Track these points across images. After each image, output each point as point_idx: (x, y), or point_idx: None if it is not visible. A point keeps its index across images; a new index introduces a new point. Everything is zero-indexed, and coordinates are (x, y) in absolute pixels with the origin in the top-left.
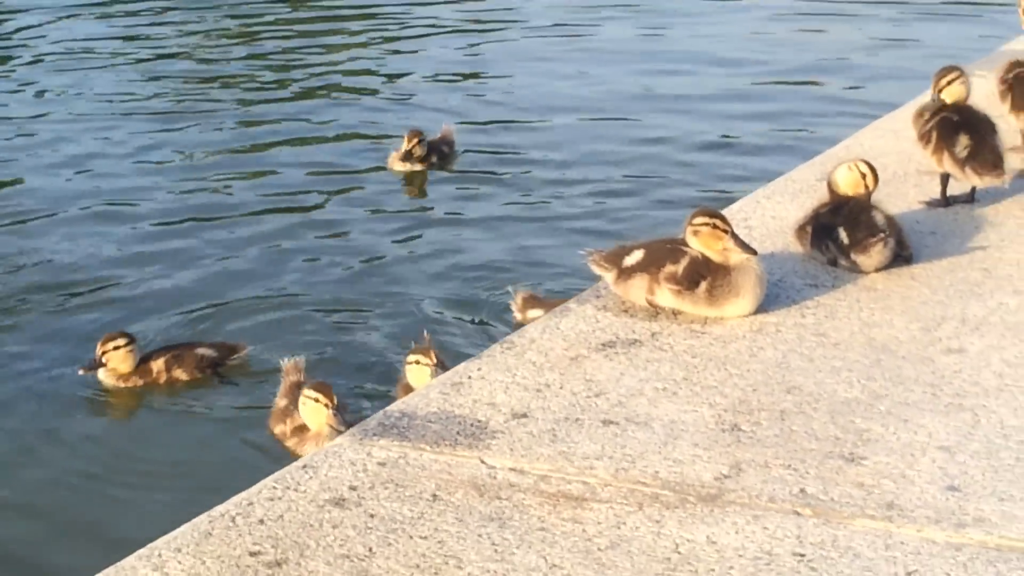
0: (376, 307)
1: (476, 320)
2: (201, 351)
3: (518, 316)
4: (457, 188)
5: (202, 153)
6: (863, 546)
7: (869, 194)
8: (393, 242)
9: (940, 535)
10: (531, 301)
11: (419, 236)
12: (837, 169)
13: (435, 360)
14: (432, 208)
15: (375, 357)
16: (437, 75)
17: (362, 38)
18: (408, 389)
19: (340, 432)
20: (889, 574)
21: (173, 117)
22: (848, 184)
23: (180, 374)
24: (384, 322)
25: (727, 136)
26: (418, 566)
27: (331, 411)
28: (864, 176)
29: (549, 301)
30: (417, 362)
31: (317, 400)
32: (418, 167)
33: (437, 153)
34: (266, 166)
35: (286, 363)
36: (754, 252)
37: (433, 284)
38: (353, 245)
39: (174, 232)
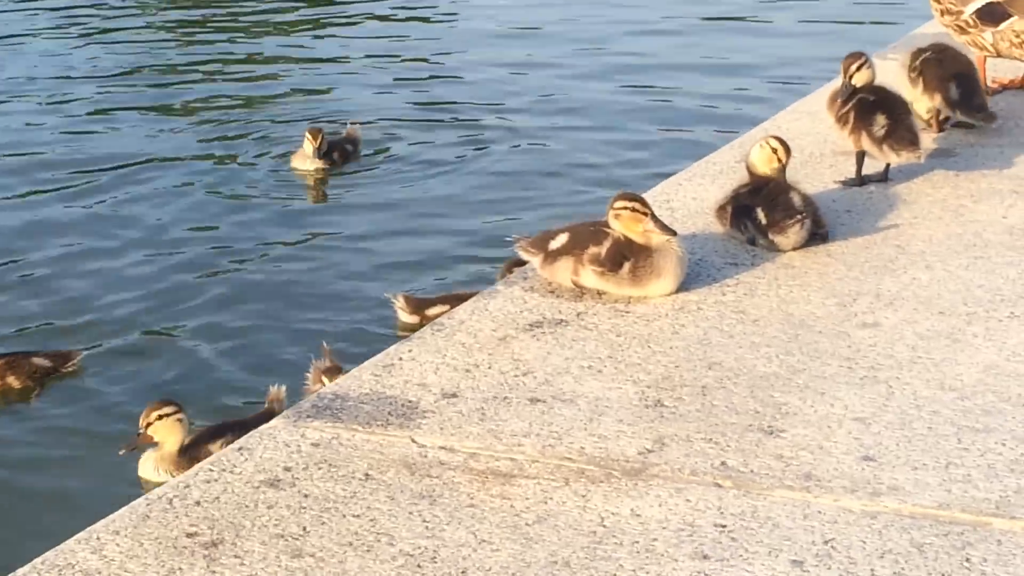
0: (275, 312)
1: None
2: (37, 360)
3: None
4: (359, 187)
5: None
6: (782, 516)
7: (783, 167)
8: (293, 241)
9: (856, 504)
10: (414, 302)
11: (320, 234)
12: (751, 149)
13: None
14: (333, 207)
15: (281, 361)
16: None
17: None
18: None
19: None
20: (807, 543)
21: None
22: (762, 161)
23: (13, 382)
24: (285, 324)
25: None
26: (351, 544)
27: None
28: (775, 151)
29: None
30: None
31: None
32: (320, 165)
33: (340, 151)
34: (159, 161)
35: (272, 390)
36: (674, 233)
37: (328, 290)
38: (249, 244)
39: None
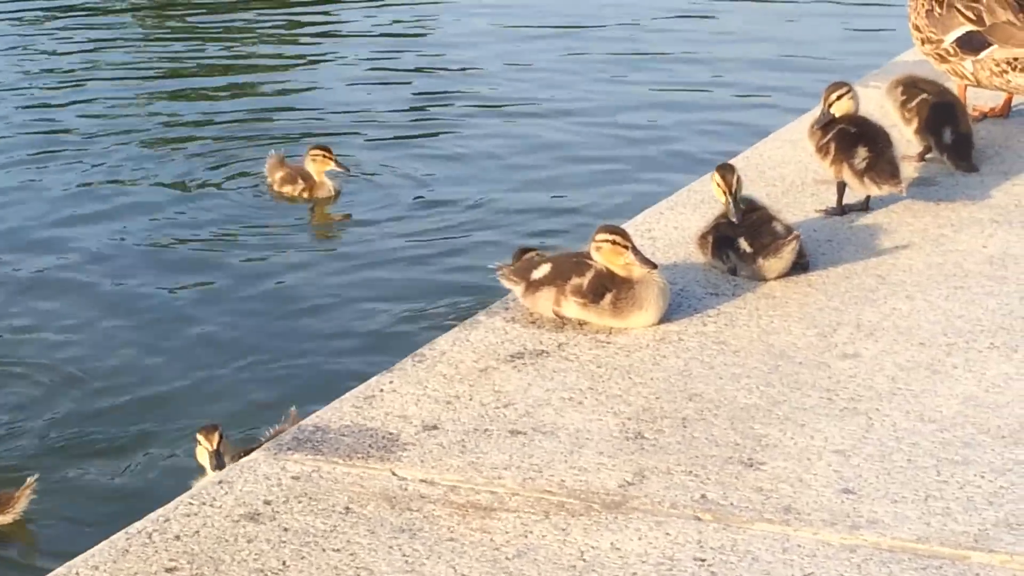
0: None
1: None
2: None
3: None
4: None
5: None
6: (761, 550)
7: (733, 192)
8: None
9: (835, 537)
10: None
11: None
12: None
13: (214, 447)
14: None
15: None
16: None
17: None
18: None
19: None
20: None
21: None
22: (718, 196)
23: None
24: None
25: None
26: None
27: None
28: (719, 184)
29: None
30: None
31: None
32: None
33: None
34: (130, 180)
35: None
36: (654, 266)
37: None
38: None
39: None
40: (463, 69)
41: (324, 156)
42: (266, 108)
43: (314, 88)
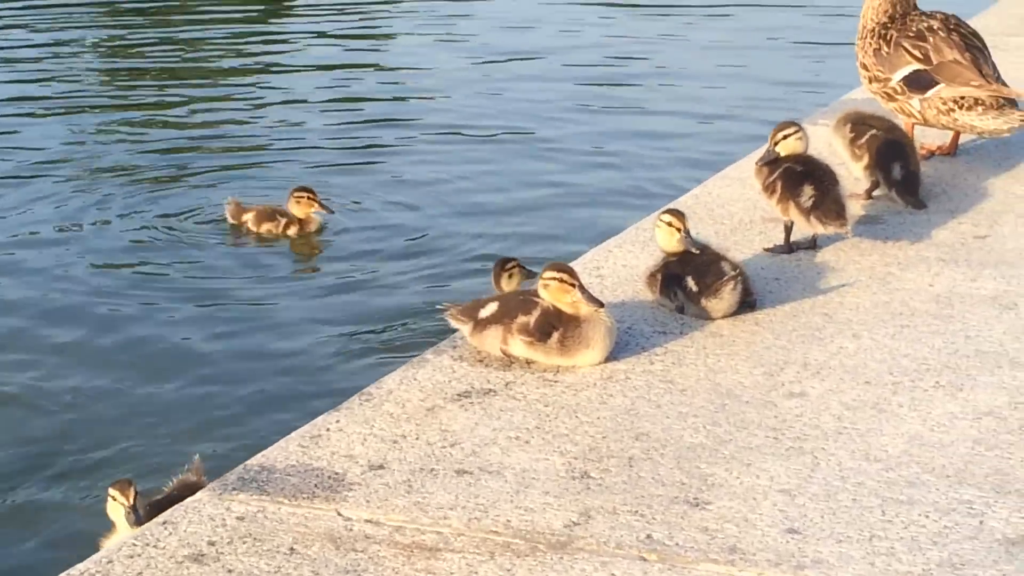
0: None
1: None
2: None
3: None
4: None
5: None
6: None
7: (686, 231)
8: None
9: None
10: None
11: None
12: (655, 231)
13: (130, 502)
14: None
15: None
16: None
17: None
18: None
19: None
20: None
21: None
22: (666, 239)
23: None
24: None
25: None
26: None
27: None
28: (671, 224)
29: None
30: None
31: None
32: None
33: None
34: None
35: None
36: (601, 305)
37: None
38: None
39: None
40: (417, 97)
41: (309, 198)
42: (211, 136)
43: (262, 112)
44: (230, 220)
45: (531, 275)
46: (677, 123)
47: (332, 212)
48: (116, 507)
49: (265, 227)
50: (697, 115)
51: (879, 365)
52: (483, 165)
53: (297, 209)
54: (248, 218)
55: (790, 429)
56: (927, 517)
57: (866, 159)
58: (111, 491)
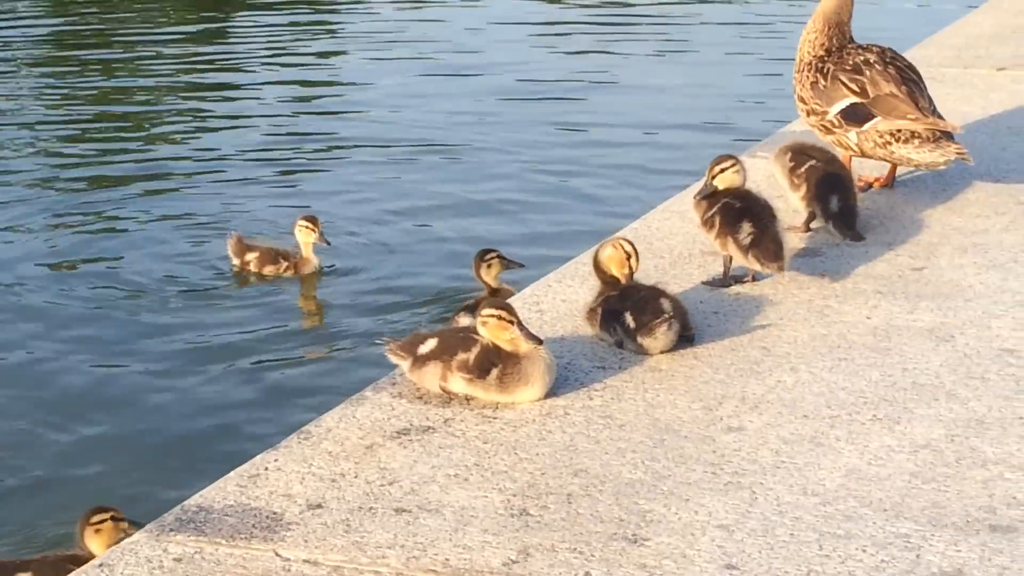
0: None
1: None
2: None
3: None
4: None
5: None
6: None
7: (632, 274)
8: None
9: None
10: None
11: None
12: (601, 249)
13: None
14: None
15: None
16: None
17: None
18: None
19: None
20: None
21: None
22: (615, 262)
23: None
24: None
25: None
26: None
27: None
28: (630, 257)
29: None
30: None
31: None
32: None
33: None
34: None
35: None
36: (539, 342)
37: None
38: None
39: None
40: (354, 110)
41: (309, 227)
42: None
43: (201, 131)
44: (232, 258)
45: (510, 265)
46: (625, 150)
47: (328, 244)
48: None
49: (268, 268)
50: (648, 137)
51: (817, 398)
52: (425, 187)
53: (299, 236)
54: (250, 258)
55: (728, 464)
56: (864, 551)
57: (804, 189)
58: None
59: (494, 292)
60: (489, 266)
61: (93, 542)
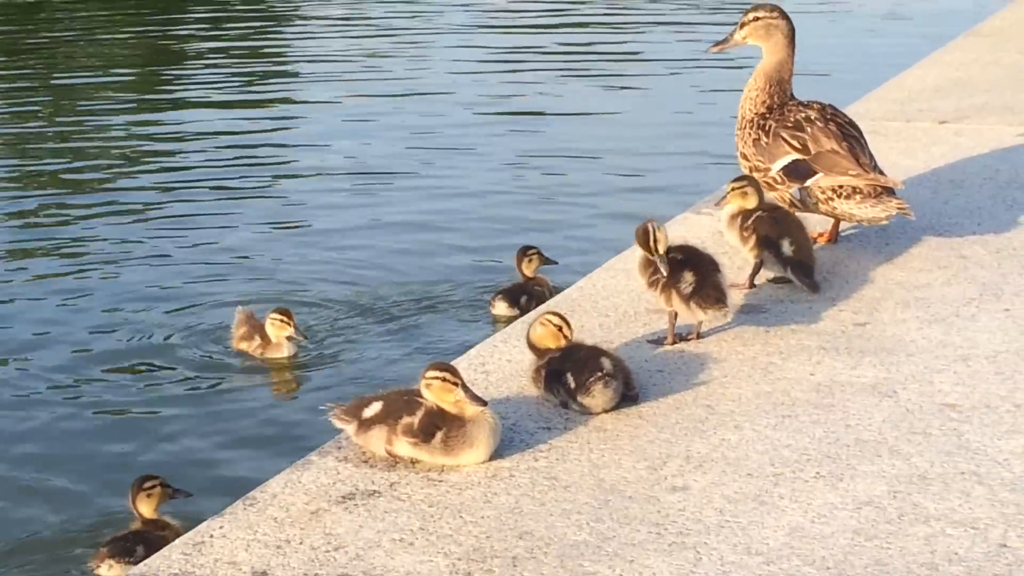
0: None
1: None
2: None
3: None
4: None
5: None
6: None
7: (569, 340)
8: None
9: None
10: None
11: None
12: (532, 327)
13: None
14: None
15: None
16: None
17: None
18: None
19: None
20: None
21: None
22: (548, 337)
23: None
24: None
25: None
26: None
27: None
28: (561, 328)
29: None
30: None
31: None
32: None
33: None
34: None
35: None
36: (484, 404)
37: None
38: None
39: None
40: (299, 144)
41: (282, 321)
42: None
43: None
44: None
45: (548, 262)
46: (586, 198)
47: (305, 338)
48: None
49: (244, 345)
50: (594, 192)
51: (761, 456)
52: (378, 215)
53: (271, 331)
54: (239, 333)
55: (673, 524)
56: None
57: (753, 240)
58: None
59: (528, 280)
60: (530, 260)
61: (144, 505)
